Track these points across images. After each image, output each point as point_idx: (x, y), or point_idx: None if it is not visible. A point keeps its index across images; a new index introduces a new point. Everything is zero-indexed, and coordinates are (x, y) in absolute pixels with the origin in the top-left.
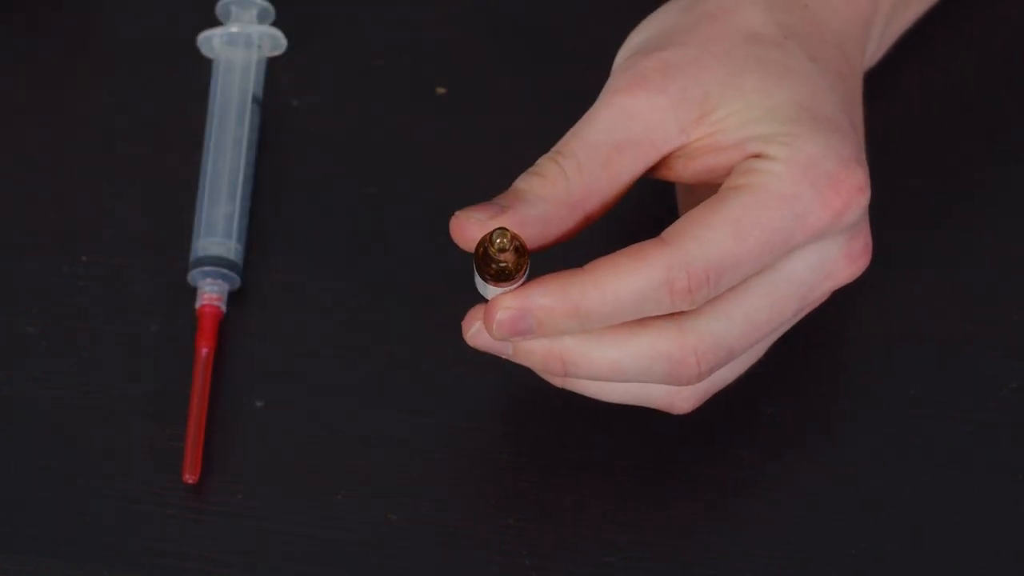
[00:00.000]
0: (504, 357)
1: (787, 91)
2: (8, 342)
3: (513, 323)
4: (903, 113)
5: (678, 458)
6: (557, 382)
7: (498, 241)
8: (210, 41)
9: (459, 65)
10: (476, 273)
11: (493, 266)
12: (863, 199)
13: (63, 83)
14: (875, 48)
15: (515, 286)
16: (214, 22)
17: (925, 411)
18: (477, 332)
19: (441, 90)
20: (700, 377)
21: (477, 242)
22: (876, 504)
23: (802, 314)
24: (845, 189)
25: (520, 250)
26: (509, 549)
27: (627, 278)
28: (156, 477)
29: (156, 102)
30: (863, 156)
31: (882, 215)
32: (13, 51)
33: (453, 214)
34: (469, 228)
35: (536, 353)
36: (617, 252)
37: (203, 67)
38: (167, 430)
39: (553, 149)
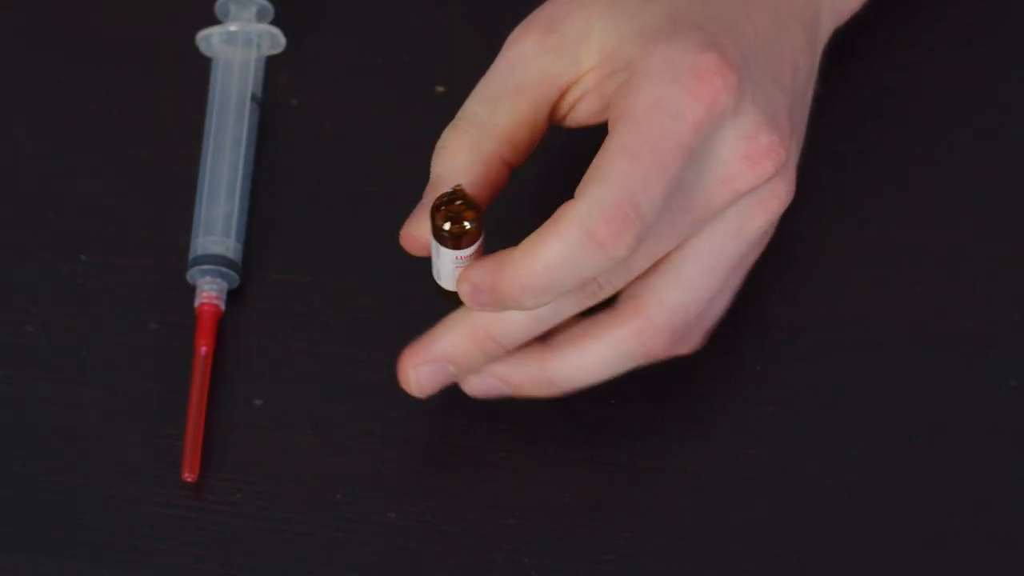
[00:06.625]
0: (504, 394)
1: (659, 7)
2: (8, 342)
3: (473, 294)
4: (900, 113)
5: (678, 458)
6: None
7: (444, 208)
8: (209, 39)
9: (459, 65)
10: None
11: (453, 226)
12: (733, 80)
13: (62, 82)
14: None
15: (473, 249)
16: (213, 20)
17: (924, 410)
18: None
19: (441, 89)
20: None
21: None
22: (876, 504)
23: (721, 232)
24: (708, 76)
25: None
26: (509, 549)
27: (549, 246)
28: (156, 476)
29: (155, 101)
30: (732, 52)
31: (884, 213)
32: (13, 51)
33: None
34: (416, 234)
35: (518, 377)
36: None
37: (202, 65)
38: (166, 429)
39: (456, 117)
